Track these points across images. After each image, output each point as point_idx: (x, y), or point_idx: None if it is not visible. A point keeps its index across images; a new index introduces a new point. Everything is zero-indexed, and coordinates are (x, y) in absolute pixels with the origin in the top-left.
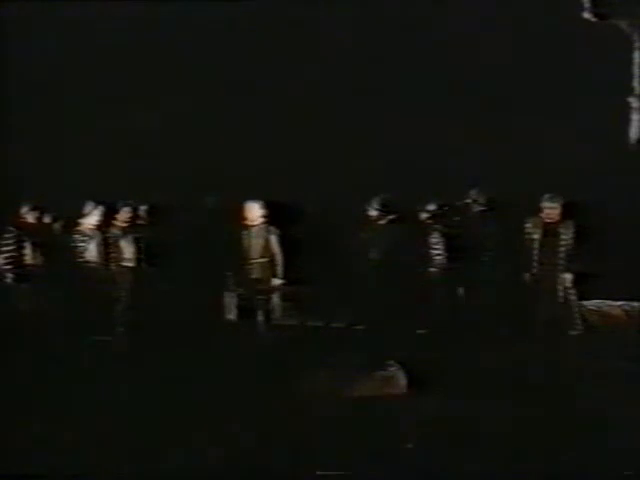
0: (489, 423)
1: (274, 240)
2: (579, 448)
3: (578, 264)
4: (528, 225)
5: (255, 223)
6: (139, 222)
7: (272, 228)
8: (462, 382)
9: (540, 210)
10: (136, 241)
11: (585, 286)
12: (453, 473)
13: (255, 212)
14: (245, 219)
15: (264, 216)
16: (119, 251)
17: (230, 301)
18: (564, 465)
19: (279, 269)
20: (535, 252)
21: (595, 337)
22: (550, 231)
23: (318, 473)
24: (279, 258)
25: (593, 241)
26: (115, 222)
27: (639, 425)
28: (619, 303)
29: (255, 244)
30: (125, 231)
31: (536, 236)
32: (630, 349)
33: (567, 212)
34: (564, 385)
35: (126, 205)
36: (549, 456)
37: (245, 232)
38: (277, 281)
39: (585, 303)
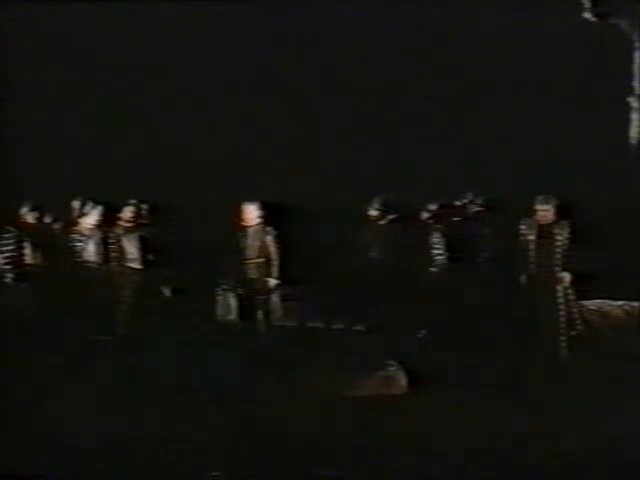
0: (489, 423)
1: (270, 241)
2: (579, 448)
3: (577, 264)
4: (523, 227)
5: (252, 224)
6: (142, 222)
7: (269, 229)
8: (462, 382)
9: (534, 211)
10: (140, 241)
11: (585, 286)
12: (453, 473)
13: (252, 213)
14: (242, 220)
15: (261, 217)
16: (121, 251)
17: (229, 301)
18: (564, 465)
19: (275, 270)
20: (531, 253)
21: (595, 337)
22: (545, 232)
23: (319, 473)
24: (275, 259)
25: (593, 241)
26: (118, 221)
27: (639, 425)
28: (619, 303)
29: (252, 245)
30: (128, 230)
31: (531, 237)
32: (630, 349)
33: (566, 212)
34: (564, 385)
35: (129, 204)
36: (549, 456)
37: (242, 233)
38: (273, 281)
39: (585, 303)
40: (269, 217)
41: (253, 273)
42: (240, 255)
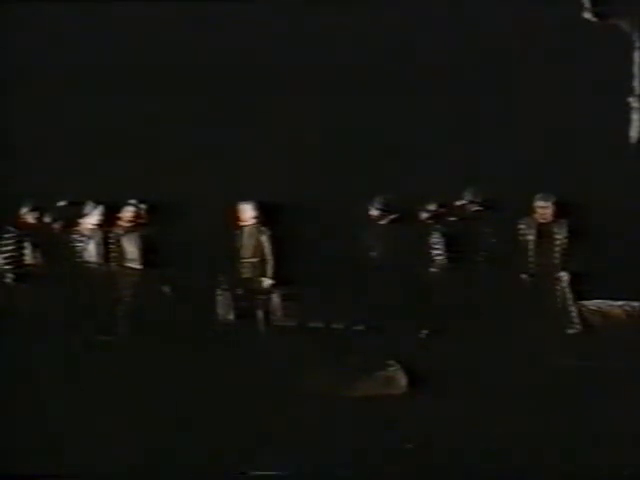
0: (489, 423)
1: (265, 240)
2: (579, 448)
3: (577, 264)
4: (522, 226)
5: (247, 223)
6: (141, 221)
7: (264, 228)
8: (462, 382)
9: (533, 210)
10: (139, 241)
11: (585, 286)
12: (453, 473)
13: (248, 213)
14: (238, 219)
15: (256, 217)
16: (121, 251)
17: (228, 301)
18: (564, 465)
19: (269, 269)
20: (530, 252)
21: (595, 337)
22: (544, 231)
23: (318, 473)
24: (270, 258)
25: (593, 241)
26: (118, 221)
27: (639, 425)
28: (619, 303)
29: (247, 244)
30: (128, 230)
31: (530, 236)
32: (630, 349)
33: (565, 212)
34: (564, 385)
35: (129, 204)
36: (549, 456)
37: (238, 232)
38: (267, 281)
39: (585, 303)
40: (269, 217)
41: (248, 273)
42: (235, 255)
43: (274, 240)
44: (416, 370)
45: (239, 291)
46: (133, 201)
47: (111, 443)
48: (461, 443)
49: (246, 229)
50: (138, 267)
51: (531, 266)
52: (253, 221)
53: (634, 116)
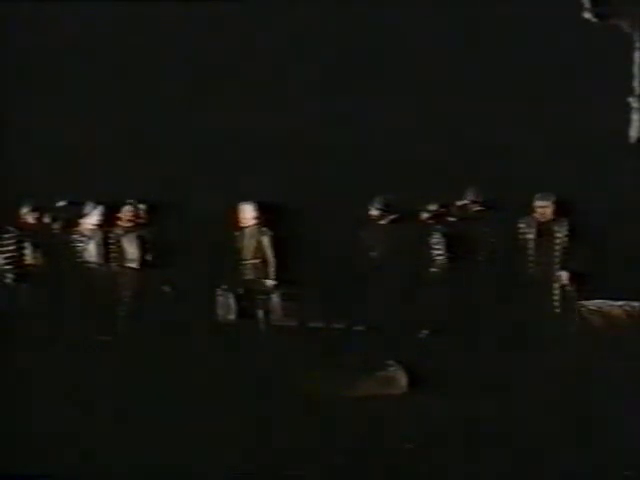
0: (489, 423)
1: (266, 241)
2: (579, 448)
3: (577, 263)
4: (522, 225)
5: (248, 224)
6: (141, 221)
7: (265, 229)
8: (462, 382)
9: (533, 209)
10: (139, 241)
11: (585, 286)
12: (453, 473)
13: (248, 213)
14: (239, 220)
15: (256, 217)
16: (121, 251)
17: (228, 301)
18: (564, 465)
19: (271, 270)
20: (530, 252)
21: (595, 337)
22: (544, 230)
23: (318, 473)
24: (271, 259)
25: (593, 241)
26: (117, 222)
27: (639, 425)
28: (619, 303)
29: (248, 245)
30: (127, 230)
31: (530, 236)
32: (630, 349)
33: (564, 211)
34: (564, 385)
35: (128, 204)
36: (549, 456)
37: (238, 233)
38: (270, 282)
39: (585, 303)
40: (271, 217)
41: (250, 274)
42: (237, 256)
43: (274, 240)
44: (416, 370)
45: (240, 291)
46: (132, 201)
47: (111, 443)
48: (461, 443)
49: (247, 230)
50: (138, 267)
51: (531, 265)
52: (254, 222)
53: (634, 116)
